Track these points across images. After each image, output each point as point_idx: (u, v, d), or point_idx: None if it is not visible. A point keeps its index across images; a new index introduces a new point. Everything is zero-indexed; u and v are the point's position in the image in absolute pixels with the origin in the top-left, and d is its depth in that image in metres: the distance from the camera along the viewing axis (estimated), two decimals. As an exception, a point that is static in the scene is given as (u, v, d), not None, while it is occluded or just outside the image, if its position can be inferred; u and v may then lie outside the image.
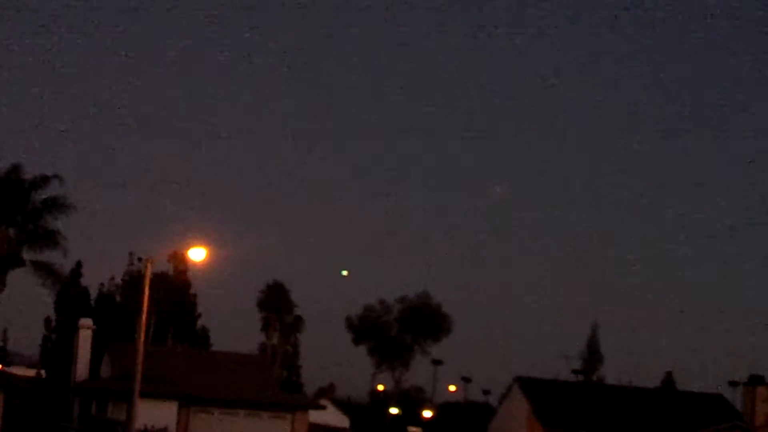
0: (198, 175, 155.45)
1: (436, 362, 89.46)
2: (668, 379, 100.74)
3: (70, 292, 73.31)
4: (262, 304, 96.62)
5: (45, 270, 58.34)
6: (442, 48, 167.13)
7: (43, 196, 58.50)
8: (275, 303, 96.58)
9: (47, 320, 76.53)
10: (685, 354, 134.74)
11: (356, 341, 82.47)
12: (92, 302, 76.41)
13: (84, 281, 77.84)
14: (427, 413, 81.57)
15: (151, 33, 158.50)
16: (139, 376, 41.00)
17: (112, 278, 78.58)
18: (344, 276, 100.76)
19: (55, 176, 58.99)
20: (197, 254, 41.34)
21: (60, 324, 74.84)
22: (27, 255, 58.33)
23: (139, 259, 71.88)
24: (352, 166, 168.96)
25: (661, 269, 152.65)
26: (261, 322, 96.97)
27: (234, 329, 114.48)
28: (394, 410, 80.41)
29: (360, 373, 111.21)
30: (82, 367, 64.05)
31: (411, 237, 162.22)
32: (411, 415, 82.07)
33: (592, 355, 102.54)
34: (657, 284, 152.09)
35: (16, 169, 58.79)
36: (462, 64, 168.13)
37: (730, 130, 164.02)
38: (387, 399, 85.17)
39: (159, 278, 70.22)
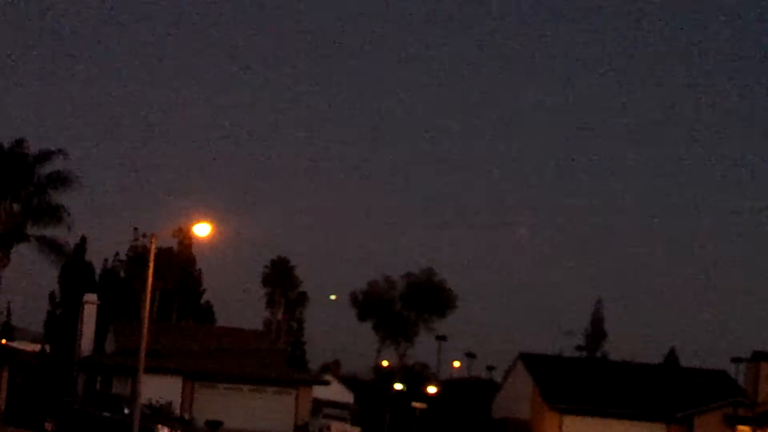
0: (203, 151, 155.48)
1: (441, 338, 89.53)
2: (671, 355, 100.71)
3: (74, 268, 73.29)
4: (266, 280, 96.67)
5: (49, 245, 58.21)
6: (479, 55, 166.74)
7: (48, 171, 58.32)
8: (280, 279, 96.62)
9: (51, 295, 76.56)
10: (688, 330, 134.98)
11: (361, 317, 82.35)
12: (97, 278, 76.43)
13: (88, 257, 77.89)
14: (432, 389, 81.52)
15: (155, 13, 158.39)
16: (143, 352, 41.03)
17: (117, 254, 78.63)
18: (332, 300, 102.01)
19: (60, 151, 58.76)
20: (202, 230, 41.28)
21: (64, 299, 74.90)
22: (31, 230, 58.17)
23: (144, 235, 72.18)
24: (356, 143, 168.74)
25: (664, 246, 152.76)
26: (265, 297, 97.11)
27: (238, 305, 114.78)
28: (398, 386, 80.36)
29: (364, 349, 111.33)
30: (86, 342, 64.20)
31: (415, 213, 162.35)
32: (415, 390, 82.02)
33: (596, 332, 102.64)
34: (660, 261, 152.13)
35: (20, 143, 58.60)
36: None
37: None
38: (391, 375, 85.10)
39: (164, 254, 70.23)
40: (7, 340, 71.06)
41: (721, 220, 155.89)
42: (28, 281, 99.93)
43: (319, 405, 69.19)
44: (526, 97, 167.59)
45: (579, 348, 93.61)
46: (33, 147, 58.91)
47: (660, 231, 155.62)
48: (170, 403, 60.26)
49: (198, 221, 41.30)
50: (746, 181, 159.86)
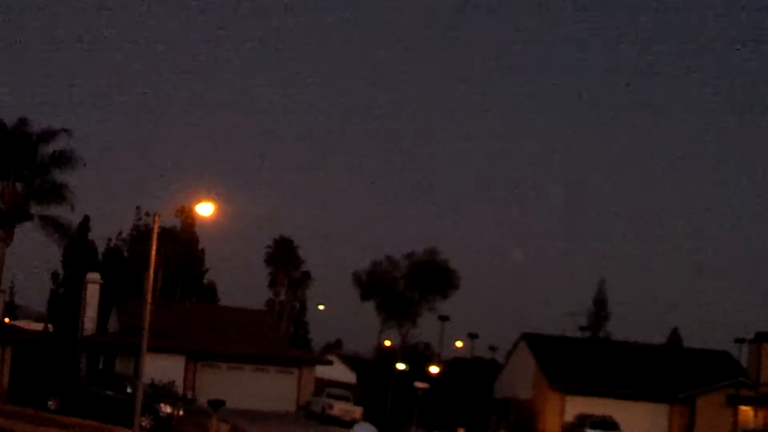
0: (207, 131, 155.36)
1: (443, 318, 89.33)
2: (674, 336, 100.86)
3: (77, 247, 73.26)
4: (269, 260, 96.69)
5: (52, 224, 58.29)
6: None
7: (51, 150, 58.35)
8: (283, 259, 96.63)
9: (55, 274, 76.50)
10: (691, 311, 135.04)
11: (363, 297, 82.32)
12: (100, 257, 76.37)
13: (91, 236, 77.82)
14: (434, 369, 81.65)
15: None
16: (146, 331, 41.04)
17: (120, 233, 78.56)
18: (321, 310, 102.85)
19: (63, 130, 58.80)
20: (205, 209, 41.23)
21: (67, 278, 74.87)
22: (34, 209, 58.28)
23: (147, 214, 72.18)
24: (359, 122, 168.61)
25: (667, 226, 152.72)
26: (268, 277, 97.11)
27: (241, 285, 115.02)
28: (400, 366, 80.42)
29: (367, 329, 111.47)
30: (89, 322, 64.24)
31: (419, 193, 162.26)
32: (418, 371, 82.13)
33: (599, 312, 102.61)
34: (664, 241, 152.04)
35: (23, 122, 58.59)
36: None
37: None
38: (394, 355, 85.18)
39: (166, 233, 70.22)
40: (10, 319, 71.08)
41: (722, 199, 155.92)
42: (32, 260, 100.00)
43: (321, 385, 69.32)
44: (527, 83, 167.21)
45: (582, 328, 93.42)
46: (36, 126, 58.98)
47: (662, 211, 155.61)
48: (173, 383, 60.33)
49: (201, 200, 41.26)
50: (747, 161, 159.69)
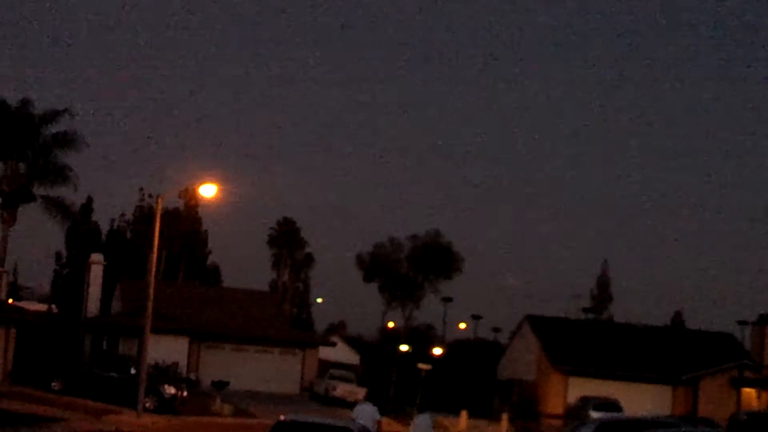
0: (211, 112, 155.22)
1: (447, 300, 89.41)
2: (678, 318, 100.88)
3: (80, 228, 73.26)
4: (272, 241, 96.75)
5: (55, 205, 58.29)
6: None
7: (54, 131, 58.30)
8: (286, 240, 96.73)
9: (58, 255, 76.57)
10: (694, 293, 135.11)
11: (367, 279, 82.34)
12: (103, 238, 76.41)
13: (95, 217, 77.88)
14: (437, 350, 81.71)
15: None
16: (150, 312, 41.06)
17: (123, 214, 78.59)
18: (319, 303, 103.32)
19: (66, 111, 58.75)
20: (208, 191, 41.23)
21: (71, 259, 74.91)
22: (38, 190, 58.28)
23: (150, 195, 72.18)
24: (364, 103, 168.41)
25: (671, 209, 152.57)
26: (272, 259, 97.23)
27: (245, 266, 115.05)
28: (404, 347, 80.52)
29: (370, 311, 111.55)
30: (93, 303, 64.25)
31: (422, 175, 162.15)
32: (421, 352, 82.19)
33: (602, 294, 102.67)
34: (667, 224, 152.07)
35: (26, 103, 58.51)
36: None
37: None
38: (397, 336, 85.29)
39: (170, 214, 70.24)
40: (14, 300, 71.17)
41: (725, 182, 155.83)
42: (35, 241, 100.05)
43: (325, 366, 69.39)
44: (528, 69, 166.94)
45: (585, 310, 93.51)
46: (39, 106, 58.90)
47: (666, 193, 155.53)
48: (176, 364, 60.42)
49: (204, 182, 41.24)
50: (749, 146, 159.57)
